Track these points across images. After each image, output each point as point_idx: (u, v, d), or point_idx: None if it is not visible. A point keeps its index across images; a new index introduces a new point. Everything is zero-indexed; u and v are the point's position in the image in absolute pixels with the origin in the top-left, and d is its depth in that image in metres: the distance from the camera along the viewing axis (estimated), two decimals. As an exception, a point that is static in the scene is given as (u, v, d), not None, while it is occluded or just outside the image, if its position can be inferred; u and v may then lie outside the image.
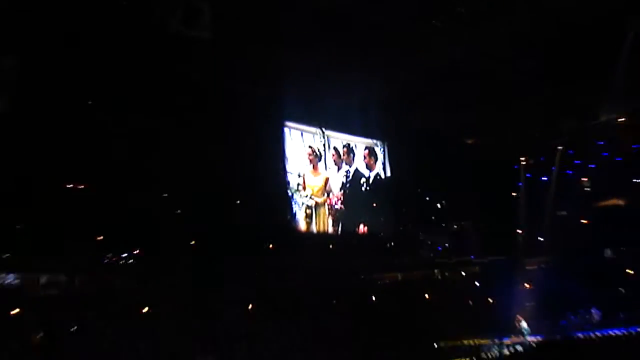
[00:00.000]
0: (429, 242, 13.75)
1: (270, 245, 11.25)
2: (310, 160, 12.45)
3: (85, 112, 9.52)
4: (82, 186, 9.58)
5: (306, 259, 11.30)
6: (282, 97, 11.40)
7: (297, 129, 12.32)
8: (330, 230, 12.52)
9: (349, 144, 13.09)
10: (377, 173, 13.43)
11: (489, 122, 13.27)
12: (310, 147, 12.47)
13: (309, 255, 11.43)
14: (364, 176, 13.28)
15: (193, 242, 10.28)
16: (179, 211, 10.40)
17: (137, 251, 10.04)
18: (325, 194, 12.59)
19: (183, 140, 10.32)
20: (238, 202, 10.96)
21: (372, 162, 13.36)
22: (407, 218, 13.44)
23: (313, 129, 12.56)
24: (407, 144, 13.35)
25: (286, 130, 12.12)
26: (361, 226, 12.94)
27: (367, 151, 13.34)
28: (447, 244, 13.87)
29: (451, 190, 13.54)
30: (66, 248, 9.08)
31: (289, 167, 12.03)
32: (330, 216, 12.56)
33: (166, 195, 10.33)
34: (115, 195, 9.51)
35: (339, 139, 13.03)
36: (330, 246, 12.26)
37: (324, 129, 12.63)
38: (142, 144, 9.94)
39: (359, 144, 13.32)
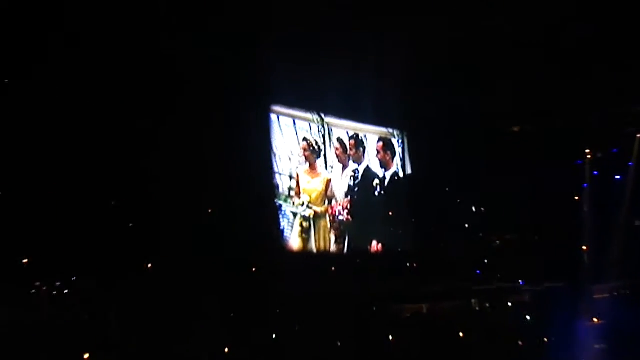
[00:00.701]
0: (464, 263, 10.92)
1: (253, 269, 8.87)
2: (307, 157, 9.71)
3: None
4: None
5: (302, 287, 8.84)
6: (268, 72, 8.87)
7: (288, 115, 9.59)
8: (334, 248, 9.88)
9: (357, 135, 10.32)
10: (395, 172, 10.63)
11: (542, 103, 10.50)
12: (305, 139, 9.73)
13: (306, 281, 8.95)
14: (378, 177, 10.49)
15: (150, 265, 8.04)
16: (131, 225, 8.10)
17: (75, 278, 7.72)
18: (327, 202, 9.87)
19: (131, 130, 7.88)
20: (210, 211, 8.60)
21: (387, 157, 10.56)
22: (435, 231, 10.80)
23: (309, 116, 9.85)
24: (434, 133, 10.71)
25: (273, 117, 9.43)
26: (374, 242, 10.28)
27: (381, 144, 10.51)
28: (487, 265, 11.09)
29: (493, 193, 10.91)
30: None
31: (277, 167, 9.40)
32: (333, 230, 9.87)
33: (114, 203, 8.00)
34: (41, 202, 7.21)
35: (343, 129, 10.25)
36: (333, 269, 9.77)
37: (323, 116, 9.92)
38: (72, 135, 7.51)
39: (371, 134, 10.52)
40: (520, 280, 11.04)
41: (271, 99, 9.35)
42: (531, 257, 11.01)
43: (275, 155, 9.35)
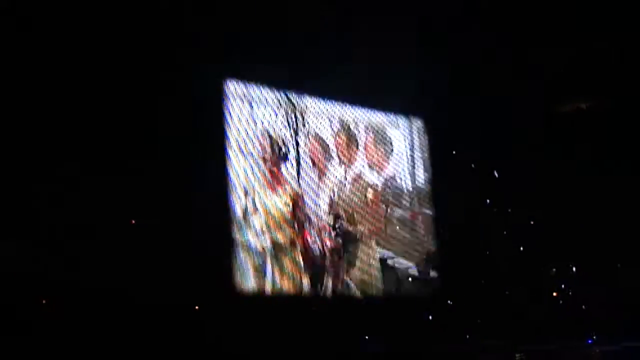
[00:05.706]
0: (506, 308, 7.63)
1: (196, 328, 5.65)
2: (267, 161, 6.48)
3: None
4: None
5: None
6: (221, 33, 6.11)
7: (243, 96, 6.44)
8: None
9: (348, 127, 7.21)
10: (390, 178, 7.51)
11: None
12: (269, 133, 6.54)
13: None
14: (375, 187, 7.36)
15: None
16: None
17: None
18: (296, 226, 6.62)
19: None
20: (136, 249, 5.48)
21: (379, 155, 7.45)
22: (461, 262, 7.52)
23: (273, 95, 6.67)
24: (465, 116, 7.52)
25: (228, 94, 6.28)
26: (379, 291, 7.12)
27: (370, 137, 7.41)
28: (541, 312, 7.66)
29: (547, 200, 7.74)
30: None
31: (233, 177, 6.19)
32: (307, 272, 6.58)
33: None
34: None
35: (324, 116, 7.06)
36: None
37: (293, 99, 6.79)
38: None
39: (360, 122, 7.39)
40: (587, 339, 7.74)
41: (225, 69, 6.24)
42: (605, 300, 7.67)
43: (229, 159, 6.16)
